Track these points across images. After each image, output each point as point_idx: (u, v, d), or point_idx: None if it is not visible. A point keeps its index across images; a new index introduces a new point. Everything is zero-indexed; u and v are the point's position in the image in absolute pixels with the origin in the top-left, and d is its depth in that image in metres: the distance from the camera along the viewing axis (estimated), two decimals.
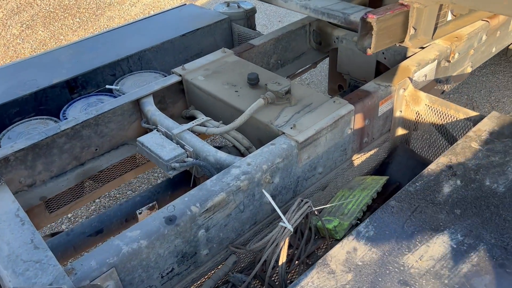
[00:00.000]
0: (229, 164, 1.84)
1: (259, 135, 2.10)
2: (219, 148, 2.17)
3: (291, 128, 1.93)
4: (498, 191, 1.59)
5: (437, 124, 2.27)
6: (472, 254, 1.38)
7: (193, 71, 2.46)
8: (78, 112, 2.45)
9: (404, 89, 2.32)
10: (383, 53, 2.70)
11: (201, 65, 2.52)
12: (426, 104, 2.28)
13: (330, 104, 2.09)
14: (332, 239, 1.99)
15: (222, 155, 1.90)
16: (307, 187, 2.09)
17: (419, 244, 1.43)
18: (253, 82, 2.26)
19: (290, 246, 1.78)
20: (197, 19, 3.19)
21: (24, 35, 6.25)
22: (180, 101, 2.56)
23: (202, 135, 2.24)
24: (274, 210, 1.94)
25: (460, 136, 2.20)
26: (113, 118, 2.28)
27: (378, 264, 1.37)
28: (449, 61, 2.57)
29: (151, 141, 2.03)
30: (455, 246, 1.41)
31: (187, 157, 1.98)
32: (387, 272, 1.35)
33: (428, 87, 2.55)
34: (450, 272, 1.33)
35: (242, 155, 2.15)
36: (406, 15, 1.81)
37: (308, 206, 1.69)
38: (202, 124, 2.15)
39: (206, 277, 1.80)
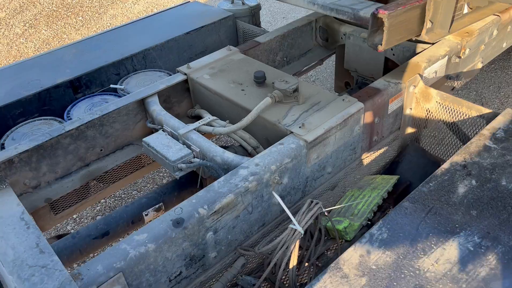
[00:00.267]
0: (236, 165, 1.80)
1: (266, 135, 2.06)
2: (225, 148, 2.13)
3: (300, 127, 1.89)
4: None
5: (449, 122, 2.22)
6: (490, 256, 1.34)
7: (198, 70, 2.42)
8: (83, 112, 2.42)
9: (414, 86, 2.27)
10: (391, 49, 2.65)
11: (206, 64, 2.47)
12: (437, 101, 2.23)
13: (339, 102, 2.05)
14: (342, 240, 1.95)
15: (229, 156, 1.86)
16: (316, 187, 2.05)
17: (434, 247, 1.39)
18: (260, 80, 2.22)
19: (299, 248, 1.74)
20: (201, 17, 3.14)
21: (27, 34, 6.23)
22: (186, 100, 2.52)
23: (208, 135, 2.20)
24: (283, 210, 1.91)
25: (472, 134, 2.15)
26: (118, 118, 2.25)
27: (392, 268, 1.33)
28: (459, 57, 2.52)
29: (157, 141, 1.99)
30: (472, 249, 1.37)
31: (194, 157, 1.94)
32: (402, 276, 1.31)
33: (438, 84, 2.50)
34: (468, 276, 1.29)
35: (250, 155, 2.11)
36: (422, 8, 1.76)
37: (319, 208, 1.65)
38: (209, 124, 2.11)
39: (214, 280, 1.77)
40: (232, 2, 3.50)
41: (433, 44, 2.49)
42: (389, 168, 2.38)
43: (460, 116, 2.16)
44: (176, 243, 1.52)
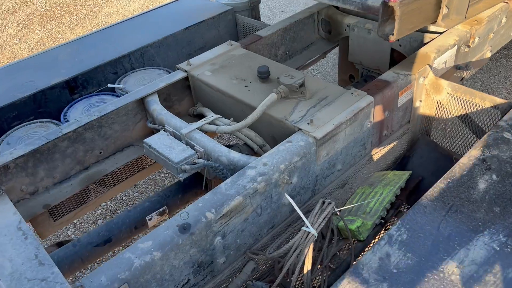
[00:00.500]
0: (243, 165, 1.71)
1: (273, 132, 1.98)
2: (229, 147, 2.05)
3: (308, 123, 1.80)
4: None
5: (461, 114, 2.14)
6: None
7: (199, 66, 2.33)
8: (80, 113, 2.33)
9: (424, 77, 2.19)
10: (398, 40, 2.56)
11: (207, 60, 2.38)
12: (448, 93, 2.14)
13: (348, 96, 1.96)
14: (356, 241, 1.87)
15: (235, 155, 1.78)
16: (326, 185, 1.97)
17: (458, 247, 1.31)
18: (264, 75, 2.13)
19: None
20: (200, 12, 3.05)
21: (21, 35, 6.11)
22: (186, 98, 2.44)
23: (211, 134, 2.12)
24: (293, 211, 1.83)
25: (486, 126, 2.07)
26: (117, 119, 2.16)
27: (415, 272, 1.25)
28: (469, 46, 2.43)
29: (158, 142, 1.91)
30: (498, 248, 1.29)
31: (198, 158, 1.86)
32: (426, 280, 1.23)
33: (447, 75, 2.42)
34: (496, 278, 1.21)
35: (255, 154, 2.02)
36: None
37: (332, 208, 1.57)
38: (212, 123, 2.02)
39: (223, 286, 1.69)
40: None
41: (441, 33, 2.41)
42: (400, 163, 2.30)
43: (473, 108, 2.08)
44: (183, 250, 1.44)
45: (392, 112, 2.14)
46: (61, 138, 1.99)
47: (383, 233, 2.02)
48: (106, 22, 6.31)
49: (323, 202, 1.60)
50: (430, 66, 2.20)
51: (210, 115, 2.06)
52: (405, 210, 2.09)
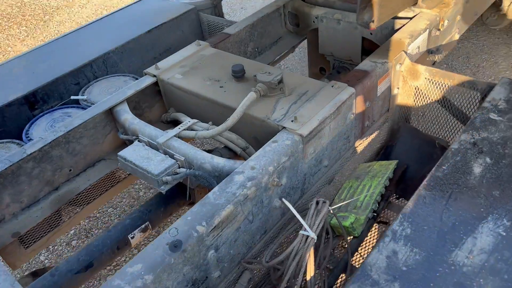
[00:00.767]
0: (229, 170, 1.62)
1: (255, 133, 1.89)
2: (208, 152, 1.95)
3: (292, 121, 1.73)
4: None
5: (440, 98, 2.13)
6: None
7: (168, 70, 2.21)
8: (44, 130, 2.15)
9: (401, 64, 2.16)
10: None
11: (176, 62, 2.26)
12: (425, 78, 2.12)
13: (328, 89, 1.90)
14: (350, 237, 1.82)
15: (219, 161, 1.68)
16: (314, 183, 1.90)
17: (464, 237, 1.26)
18: (239, 74, 2.03)
19: None
20: (161, 13, 2.91)
21: None
22: (157, 104, 2.31)
23: (189, 140, 2.01)
24: (284, 213, 1.75)
25: (467, 109, 2.06)
26: (85, 132, 2.01)
27: (425, 267, 1.20)
28: (439, 29, 2.43)
29: (134, 154, 1.78)
30: (504, 234, 1.25)
31: (179, 167, 1.74)
32: (437, 275, 1.18)
33: (421, 59, 2.40)
34: (508, 265, 1.17)
35: (238, 157, 1.93)
36: None
37: (327, 207, 1.50)
38: (190, 128, 1.91)
39: None
40: None
41: (411, 19, 2.39)
42: (384, 152, 2.27)
43: (452, 91, 2.06)
44: (176, 269, 1.33)
45: (373, 102, 2.09)
46: (26, 159, 1.82)
47: (376, 226, 1.98)
48: (58, 31, 6.01)
49: (318, 202, 1.52)
50: (405, 52, 2.17)
51: (187, 121, 1.95)
52: (394, 200, 2.06)
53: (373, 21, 1.56)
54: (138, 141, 1.89)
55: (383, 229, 1.99)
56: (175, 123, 2.13)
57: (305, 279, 1.40)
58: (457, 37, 2.74)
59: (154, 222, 1.87)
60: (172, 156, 1.77)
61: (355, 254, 1.83)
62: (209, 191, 1.51)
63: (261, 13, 2.75)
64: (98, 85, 2.42)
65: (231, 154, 1.95)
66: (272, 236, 1.73)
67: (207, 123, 1.95)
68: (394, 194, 2.06)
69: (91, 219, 3.00)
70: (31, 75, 2.41)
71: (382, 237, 1.30)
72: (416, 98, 2.22)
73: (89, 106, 2.14)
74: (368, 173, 2.04)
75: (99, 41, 2.67)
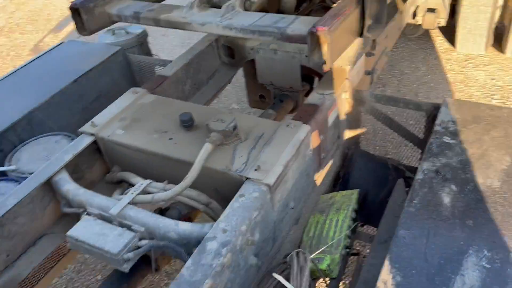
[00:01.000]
0: (198, 237, 1.49)
1: (215, 185, 1.78)
2: (165, 210, 1.81)
3: (256, 170, 1.64)
4: (494, 186, 1.51)
5: (387, 120, 2.17)
6: (509, 270, 1.26)
7: (107, 125, 2.02)
8: None
9: (346, 91, 2.17)
10: (306, 56, 2.52)
11: (114, 115, 2.08)
12: (371, 102, 2.16)
13: (284, 129, 1.85)
14: (328, 279, 1.77)
15: (186, 227, 1.55)
16: (283, 228, 1.83)
17: (452, 276, 1.26)
18: (188, 123, 1.92)
19: None
20: (85, 58, 2.70)
21: None
22: (97, 162, 2.10)
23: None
24: (259, 268, 1.66)
25: (413, 129, 2.12)
26: (20, 210, 1.76)
27: None
28: (373, 50, 2.49)
29: (86, 232, 1.59)
30: (488, 266, 1.27)
31: (140, 239, 1.58)
32: None
33: (361, 83, 2.45)
34: None
35: (200, 212, 1.81)
36: (359, 11, 1.70)
37: (309, 260, 1.44)
38: (144, 191, 1.75)
39: None
40: (114, 34, 3.09)
41: None
42: (342, 182, 2.27)
43: (398, 113, 2.12)
44: None
45: (326, 134, 2.08)
46: None
47: (351, 259, 1.96)
48: None
49: (298, 255, 1.46)
50: (348, 79, 2.19)
51: (139, 183, 1.78)
52: (361, 229, 2.06)
53: (325, 63, 1.54)
54: (87, 214, 1.69)
55: (357, 259, 1.98)
56: (124, 183, 1.95)
57: None
58: (388, 54, 2.84)
59: None
60: (129, 228, 1.60)
61: None
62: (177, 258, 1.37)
63: (194, 50, 2.65)
64: (27, 149, 2.16)
65: (190, 208, 1.83)
66: None
67: (162, 182, 1.80)
68: (360, 224, 2.06)
69: None
70: None
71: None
72: (364, 122, 2.25)
73: (21, 178, 1.90)
74: (332, 206, 2.02)
75: (18, 98, 2.40)
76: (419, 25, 3.71)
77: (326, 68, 1.57)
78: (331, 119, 2.12)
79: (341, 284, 1.84)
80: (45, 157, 2.08)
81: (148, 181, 1.80)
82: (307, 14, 3.59)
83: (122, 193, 1.84)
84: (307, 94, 2.90)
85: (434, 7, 3.52)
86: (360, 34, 1.81)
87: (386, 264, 1.32)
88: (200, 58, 2.70)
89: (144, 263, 1.75)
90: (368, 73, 2.53)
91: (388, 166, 2.20)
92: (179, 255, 1.50)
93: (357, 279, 1.62)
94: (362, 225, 2.12)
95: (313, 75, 2.78)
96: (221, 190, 1.76)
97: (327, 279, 1.77)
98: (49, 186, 1.86)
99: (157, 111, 2.10)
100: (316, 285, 1.88)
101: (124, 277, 1.72)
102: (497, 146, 1.64)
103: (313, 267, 1.69)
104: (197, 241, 1.45)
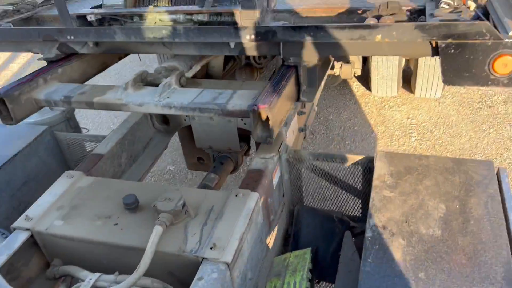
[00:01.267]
0: None
1: (169, 268, 1.71)
2: None
3: (212, 248, 1.62)
4: (436, 235, 1.62)
5: (326, 176, 2.27)
6: None
7: (43, 217, 1.89)
8: None
9: (285, 152, 2.25)
10: (242, 119, 2.59)
11: (50, 205, 1.95)
12: (310, 160, 2.25)
13: (234, 200, 1.85)
14: None
15: None
16: None
17: None
18: (133, 206, 1.85)
19: None
20: (8, 141, 2.53)
21: None
22: (35, 257, 1.94)
23: None
24: None
25: (352, 181, 2.24)
26: None
27: None
28: (304, 108, 2.63)
29: None
30: None
31: None
32: None
33: (296, 140, 2.55)
34: None
35: None
36: (294, 79, 1.81)
37: None
38: (94, 287, 1.63)
39: None
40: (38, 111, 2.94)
41: None
42: (292, 241, 2.30)
43: (336, 168, 2.22)
44: None
45: (272, 197, 2.12)
46: None
47: None
48: None
49: None
50: (285, 140, 2.28)
51: (88, 278, 1.67)
52: (317, 286, 2.09)
53: (269, 136, 1.59)
54: None
55: None
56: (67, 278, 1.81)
57: None
58: (316, 109, 3.01)
59: None
60: None
61: None
62: None
63: (128, 122, 2.60)
64: None
65: None
66: None
67: (112, 273, 1.70)
68: (316, 281, 2.09)
69: None
70: None
71: None
72: (305, 179, 2.33)
73: None
74: (287, 268, 2.03)
75: None
76: (338, 75, 4.00)
77: (270, 141, 1.62)
78: (275, 181, 2.17)
79: None
80: None
81: (97, 274, 1.68)
82: (233, 73, 3.73)
83: None
84: (246, 153, 2.96)
85: (350, 60, 3.83)
86: (297, 99, 1.91)
87: None
88: (134, 129, 2.66)
89: None
90: (301, 130, 2.66)
91: (334, 218, 2.28)
92: None
93: None
94: (318, 282, 2.15)
95: (249, 135, 2.85)
96: (178, 273, 1.70)
97: None
98: None
99: (97, 194, 2.00)
100: None
101: None
102: (431, 195, 1.78)
103: None
104: None
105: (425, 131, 4.13)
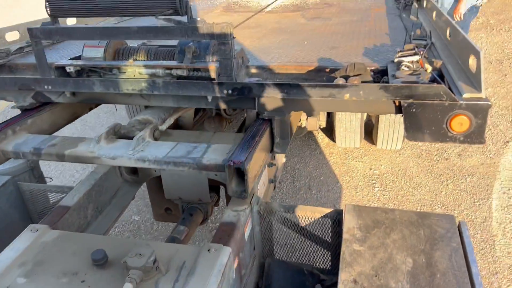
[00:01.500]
0: None
1: None
2: None
3: None
4: None
5: (297, 228, 2.30)
6: None
7: (4, 274, 1.79)
8: None
9: (256, 204, 2.28)
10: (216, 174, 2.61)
11: (12, 260, 1.86)
12: (280, 212, 2.28)
13: (206, 255, 1.84)
14: None
15: None
16: None
17: None
18: (102, 262, 1.80)
19: None
20: None
21: None
22: None
23: None
24: None
25: (322, 233, 2.28)
26: None
27: None
28: (274, 160, 2.69)
29: None
30: None
31: None
32: None
33: (266, 191, 2.59)
34: None
35: None
36: (269, 130, 1.90)
37: None
38: None
39: None
40: None
41: None
42: None
43: (306, 221, 2.26)
44: None
45: (244, 250, 2.12)
46: None
47: None
48: None
49: None
50: (256, 193, 2.31)
51: None
52: None
53: (245, 191, 1.62)
54: None
55: None
56: None
57: None
58: (284, 160, 3.08)
59: None
60: None
61: None
62: None
63: (97, 173, 2.56)
64: None
65: None
66: None
67: None
68: None
69: None
70: None
71: None
72: (276, 231, 2.35)
73: None
74: None
75: None
76: (304, 127, 4.13)
77: (245, 196, 1.65)
78: (247, 234, 2.17)
79: None
80: None
81: None
82: (202, 122, 3.79)
83: None
84: (215, 204, 2.96)
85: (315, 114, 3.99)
86: (271, 150, 1.98)
87: None
88: (102, 180, 2.62)
89: None
90: (271, 181, 2.70)
91: (304, 271, 2.29)
92: None
93: None
94: None
95: (219, 185, 2.87)
96: None
97: None
98: None
99: (63, 249, 1.93)
100: None
101: None
102: (399, 249, 1.84)
103: None
104: None
105: (388, 181, 4.28)
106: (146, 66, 2.09)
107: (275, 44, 3.04)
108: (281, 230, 2.34)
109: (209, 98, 1.97)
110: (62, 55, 2.85)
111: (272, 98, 1.96)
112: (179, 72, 2.03)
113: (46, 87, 2.10)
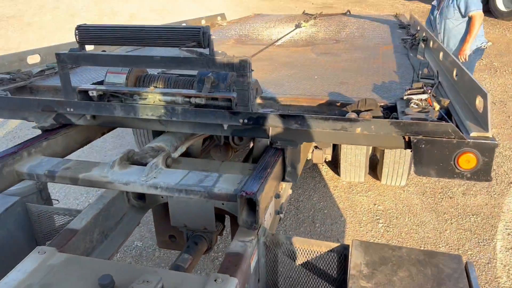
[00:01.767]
0: None
1: None
2: None
3: None
4: None
5: (303, 262, 2.29)
6: None
7: None
8: None
9: (263, 235, 2.28)
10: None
11: (18, 283, 1.86)
12: (287, 245, 2.28)
13: (212, 285, 1.83)
14: None
15: None
16: None
17: None
18: (108, 287, 1.79)
19: None
20: None
21: None
22: None
23: None
24: None
25: (328, 269, 2.27)
26: None
27: None
28: (280, 191, 2.71)
29: None
30: None
31: None
32: None
33: (273, 223, 2.60)
34: None
35: None
36: (281, 159, 1.96)
37: None
38: None
39: None
40: None
41: None
42: None
43: (312, 255, 2.26)
44: None
45: (249, 281, 2.11)
46: None
47: None
48: None
49: None
50: (264, 224, 2.32)
51: None
52: None
53: (255, 222, 1.64)
54: None
55: None
56: None
57: None
58: (290, 191, 3.10)
59: None
60: None
61: None
62: None
63: (105, 198, 2.58)
64: None
65: None
66: None
67: None
68: None
69: None
70: None
71: None
72: (281, 264, 2.34)
73: None
74: None
75: None
76: (310, 159, 4.16)
77: (256, 227, 1.67)
78: (252, 266, 2.17)
79: None
80: None
81: None
82: (209, 151, 3.82)
83: None
84: (220, 233, 2.96)
85: (321, 146, 4.04)
86: (282, 179, 2.02)
87: None
88: (109, 205, 2.63)
89: None
90: (277, 212, 2.71)
91: None
92: None
93: None
94: None
95: (224, 214, 2.87)
96: None
97: None
98: None
99: (70, 273, 1.93)
100: None
101: None
102: (406, 287, 1.83)
103: None
104: None
105: (391, 218, 4.27)
106: (167, 94, 2.15)
107: (286, 77, 3.12)
108: (285, 262, 2.33)
109: (225, 126, 2.03)
110: (80, 79, 2.93)
111: (286, 129, 2.02)
112: (197, 100, 2.09)
113: (68, 109, 2.17)
